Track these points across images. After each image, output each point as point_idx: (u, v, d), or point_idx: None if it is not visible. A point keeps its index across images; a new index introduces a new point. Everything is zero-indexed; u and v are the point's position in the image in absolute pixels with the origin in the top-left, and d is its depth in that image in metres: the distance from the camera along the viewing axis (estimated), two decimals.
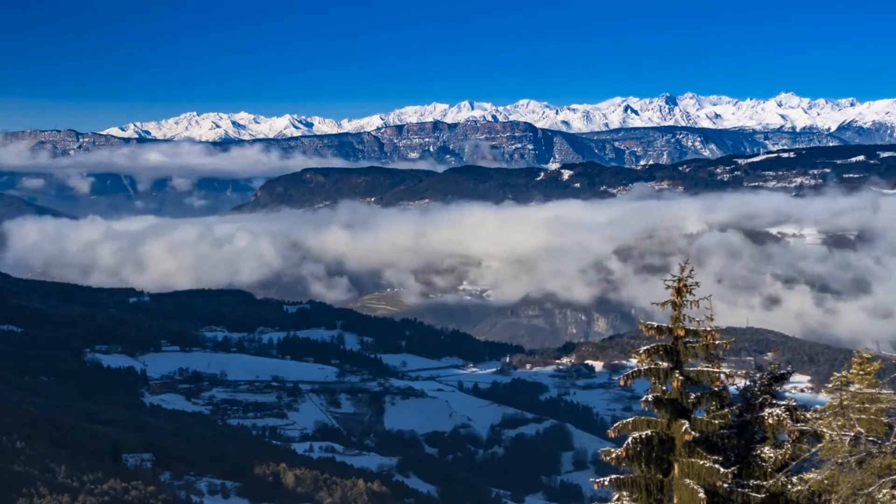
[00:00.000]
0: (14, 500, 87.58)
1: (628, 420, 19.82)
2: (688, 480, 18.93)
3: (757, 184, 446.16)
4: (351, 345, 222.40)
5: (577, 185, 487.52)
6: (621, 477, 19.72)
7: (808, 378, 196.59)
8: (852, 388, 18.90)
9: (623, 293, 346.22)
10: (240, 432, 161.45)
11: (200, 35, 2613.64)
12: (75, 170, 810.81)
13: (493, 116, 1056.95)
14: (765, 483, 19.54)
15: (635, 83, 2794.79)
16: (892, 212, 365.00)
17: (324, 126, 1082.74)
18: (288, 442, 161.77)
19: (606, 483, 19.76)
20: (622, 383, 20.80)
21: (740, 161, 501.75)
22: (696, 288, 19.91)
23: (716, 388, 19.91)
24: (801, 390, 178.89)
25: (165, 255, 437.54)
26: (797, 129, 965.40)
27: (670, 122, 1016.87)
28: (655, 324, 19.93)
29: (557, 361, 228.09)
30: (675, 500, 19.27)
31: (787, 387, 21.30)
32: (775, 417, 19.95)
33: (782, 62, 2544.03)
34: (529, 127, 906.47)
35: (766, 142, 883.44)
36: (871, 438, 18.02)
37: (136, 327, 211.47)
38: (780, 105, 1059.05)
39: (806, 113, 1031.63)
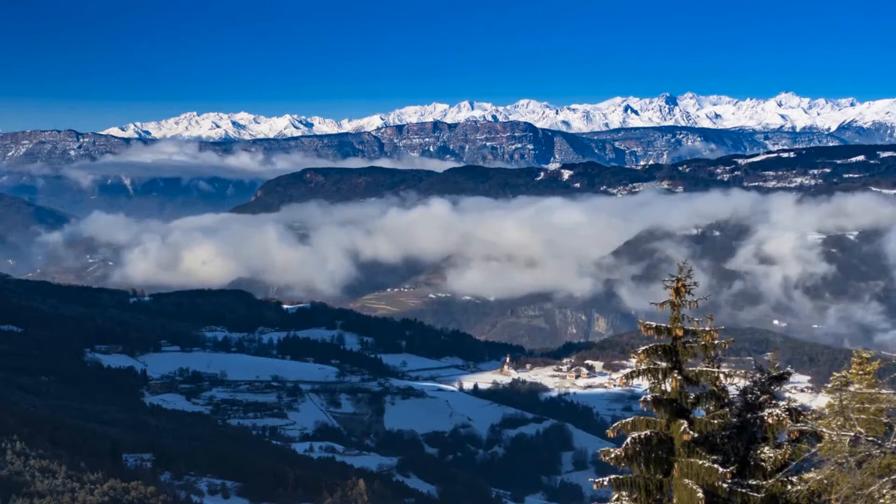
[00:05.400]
0: (14, 500, 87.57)
1: (627, 420, 19.79)
2: (687, 480, 18.91)
3: (757, 184, 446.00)
4: (351, 345, 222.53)
5: (577, 185, 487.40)
6: (620, 477, 19.70)
7: (808, 378, 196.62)
8: (852, 388, 18.88)
9: (623, 293, 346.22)
10: (240, 432, 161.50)
11: (200, 35, 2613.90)
12: (75, 170, 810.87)
13: (493, 116, 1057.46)
14: (764, 483, 19.52)
15: (635, 83, 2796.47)
16: (893, 212, 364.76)
17: (324, 126, 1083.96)
18: (288, 442, 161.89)
19: (606, 483, 19.74)
20: (621, 383, 20.84)
21: (740, 161, 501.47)
22: (694, 288, 19.88)
23: (715, 388, 19.90)
24: (801, 390, 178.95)
25: (167, 255, 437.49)
26: (797, 129, 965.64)
27: (670, 122, 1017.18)
28: (654, 324, 19.90)
29: (557, 361, 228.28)
30: (675, 501, 19.26)
31: (786, 387, 21.27)
32: (775, 417, 19.92)
33: (782, 62, 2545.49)
34: (529, 127, 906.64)
35: (767, 142, 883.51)
36: (870, 438, 18.00)
37: (136, 327, 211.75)
38: (780, 105, 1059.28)
39: (806, 113, 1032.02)
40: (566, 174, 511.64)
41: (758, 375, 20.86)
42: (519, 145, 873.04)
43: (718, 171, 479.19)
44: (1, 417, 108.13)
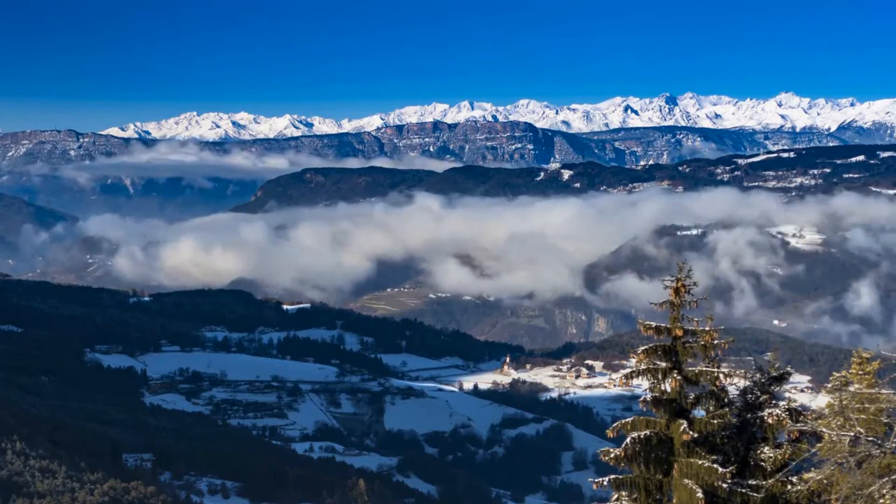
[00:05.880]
0: (14, 500, 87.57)
1: (627, 420, 19.78)
2: (687, 480, 18.89)
3: (757, 184, 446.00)
4: (351, 345, 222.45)
5: (577, 185, 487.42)
6: (620, 477, 19.69)
7: (808, 378, 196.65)
8: (852, 388, 18.86)
9: (623, 293, 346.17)
10: (240, 432, 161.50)
11: (200, 35, 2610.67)
12: (75, 170, 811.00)
13: (493, 116, 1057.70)
14: (764, 483, 19.50)
15: (635, 83, 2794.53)
16: (892, 212, 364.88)
17: (324, 126, 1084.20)
18: (288, 442, 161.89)
19: (606, 483, 19.74)
20: (621, 383, 20.79)
21: (740, 161, 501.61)
22: (694, 288, 19.87)
23: (715, 388, 19.89)
24: (801, 390, 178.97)
25: (167, 255, 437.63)
26: (797, 129, 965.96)
27: (670, 122, 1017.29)
28: (654, 324, 19.89)
29: (557, 361, 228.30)
30: (675, 501, 19.24)
31: (786, 387, 21.26)
32: (775, 417, 19.90)
33: (782, 62, 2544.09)
34: (529, 127, 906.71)
35: (767, 142, 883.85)
36: (870, 438, 17.99)
37: (136, 327, 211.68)
38: (780, 105, 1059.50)
39: (806, 113, 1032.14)
40: (566, 174, 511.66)
41: (758, 375, 20.84)
42: (519, 145, 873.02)
43: (718, 171, 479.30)
44: (1, 417, 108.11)
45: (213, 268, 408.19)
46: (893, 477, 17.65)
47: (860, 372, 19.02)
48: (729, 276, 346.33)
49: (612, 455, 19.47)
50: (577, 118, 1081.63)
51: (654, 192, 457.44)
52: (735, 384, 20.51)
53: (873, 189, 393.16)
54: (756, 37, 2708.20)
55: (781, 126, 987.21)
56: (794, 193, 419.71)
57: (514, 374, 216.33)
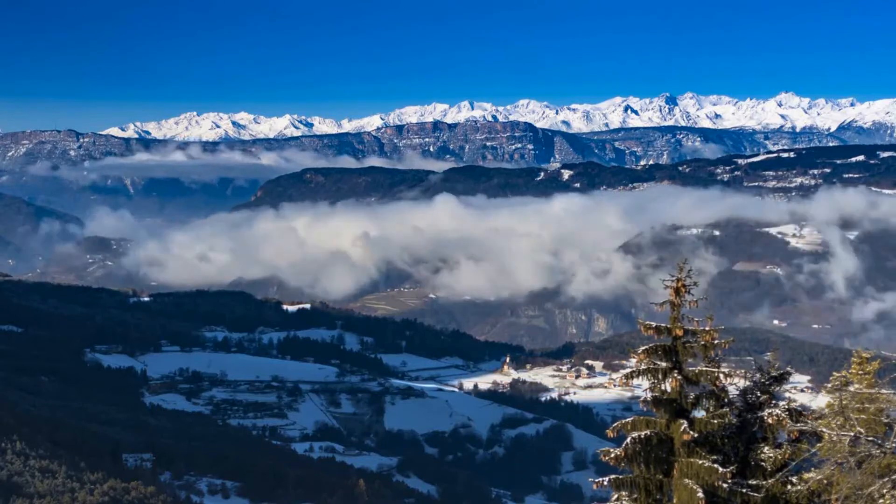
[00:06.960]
0: (14, 500, 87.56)
1: (627, 420, 19.78)
2: (687, 480, 18.89)
3: (757, 184, 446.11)
4: (351, 345, 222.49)
5: (577, 185, 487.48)
6: (620, 477, 19.69)
7: (808, 378, 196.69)
8: (852, 388, 18.86)
9: (623, 293, 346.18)
10: (240, 432, 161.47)
11: (200, 35, 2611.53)
12: (75, 170, 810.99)
13: (493, 116, 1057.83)
14: (764, 483, 19.51)
15: (635, 83, 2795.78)
16: (892, 211, 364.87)
17: (324, 126, 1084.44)
18: (288, 442, 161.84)
19: (606, 483, 19.73)
20: (621, 383, 20.85)
21: (740, 161, 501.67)
22: (694, 287, 19.87)
23: (715, 388, 19.88)
24: (801, 390, 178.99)
25: (166, 255, 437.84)
26: (797, 129, 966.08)
27: (670, 122, 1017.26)
28: (654, 324, 19.88)
29: (557, 361, 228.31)
30: (675, 501, 19.24)
31: (786, 387, 21.26)
32: (775, 417, 19.90)
33: (782, 62, 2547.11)
34: (529, 127, 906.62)
35: (767, 142, 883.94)
36: (870, 438, 17.99)
37: (136, 327, 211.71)
38: (780, 105, 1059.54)
39: (806, 113, 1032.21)
40: (566, 174, 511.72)
41: (758, 375, 20.84)
42: (519, 145, 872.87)
43: (718, 171, 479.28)
44: (1, 417, 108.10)
45: (212, 268, 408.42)
46: (893, 477, 17.65)
47: (860, 372, 19.01)
48: (728, 276, 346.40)
49: (613, 455, 19.47)
50: (577, 118, 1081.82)
51: (654, 191, 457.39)
52: (735, 384, 20.50)
53: (873, 189, 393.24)
54: (756, 37, 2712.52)
55: (781, 126, 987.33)
56: (793, 193, 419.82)
57: (514, 375, 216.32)
